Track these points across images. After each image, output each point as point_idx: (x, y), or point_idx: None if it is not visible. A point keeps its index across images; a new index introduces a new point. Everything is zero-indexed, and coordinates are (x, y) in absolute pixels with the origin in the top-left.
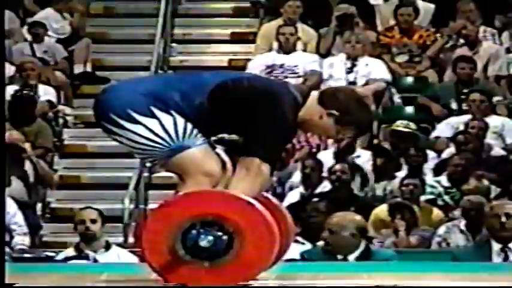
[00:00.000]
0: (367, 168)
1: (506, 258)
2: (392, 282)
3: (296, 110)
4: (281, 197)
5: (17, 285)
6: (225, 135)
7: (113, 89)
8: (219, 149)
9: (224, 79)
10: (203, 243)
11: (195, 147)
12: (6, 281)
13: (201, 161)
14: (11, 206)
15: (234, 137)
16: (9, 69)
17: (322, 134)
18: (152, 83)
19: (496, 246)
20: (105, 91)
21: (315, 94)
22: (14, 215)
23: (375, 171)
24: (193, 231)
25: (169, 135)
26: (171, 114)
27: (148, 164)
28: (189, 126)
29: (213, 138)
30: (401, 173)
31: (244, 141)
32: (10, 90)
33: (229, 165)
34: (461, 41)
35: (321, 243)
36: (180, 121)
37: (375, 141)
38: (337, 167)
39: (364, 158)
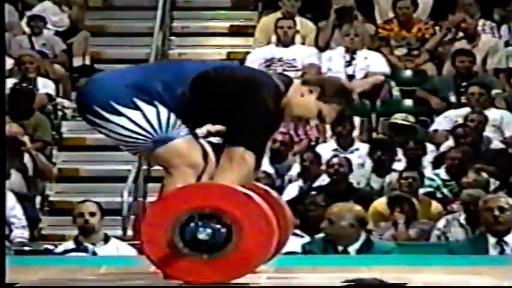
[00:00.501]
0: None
1: (502, 251)
2: (392, 275)
3: (279, 98)
4: (280, 189)
5: (18, 285)
6: (210, 127)
7: (95, 80)
8: (202, 140)
9: (205, 68)
10: (202, 236)
11: (179, 139)
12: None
13: (186, 153)
14: (9, 200)
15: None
16: (8, 63)
17: (303, 114)
18: (134, 73)
19: (492, 240)
20: (88, 83)
21: (297, 82)
22: (13, 208)
23: (373, 165)
24: (192, 224)
25: (153, 127)
26: (154, 105)
27: (135, 156)
28: (173, 117)
29: (198, 131)
30: (399, 166)
31: (227, 131)
32: (9, 83)
33: (211, 155)
34: (460, 34)
35: (320, 235)
36: (164, 112)
37: (374, 134)
38: (335, 160)
39: (363, 151)
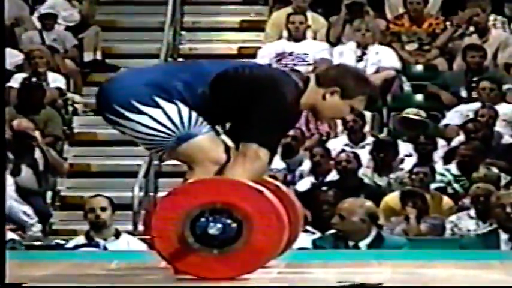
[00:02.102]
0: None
1: None
2: (403, 270)
3: (298, 96)
4: (291, 184)
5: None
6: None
7: (115, 79)
8: (224, 136)
9: (225, 68)
10: (212, 231)
11: (201, 135)
12: (13, 269)
13: (209, 149)
14: (17, 199)
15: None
16: (19, 57)
17: (336, 114)
18: (154, 73)
19: (503, 236)
20: (108, 81)
21: (313, 84)
22: (24, 208)
23: (374, 164)
24: (203, 219)
25: (175, 124)
26: (175, 104)
27: (155, 154)
28: (194, 114)
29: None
30: (410, 161)
31: (243, 127)
32: (19, 77)
33: (233, 151)
34: (471, 29)
35: (331, 231)
36: (185, 110)
37: (385, 129)
38: (342, 155)
39: None
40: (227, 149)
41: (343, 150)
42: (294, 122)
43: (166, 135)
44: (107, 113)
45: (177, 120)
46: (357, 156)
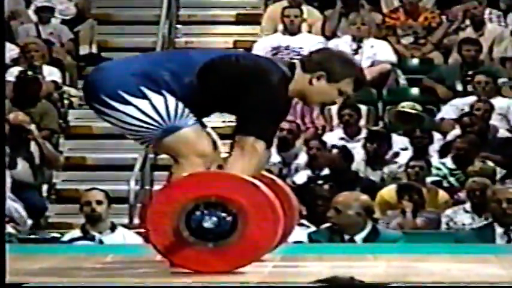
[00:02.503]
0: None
1: (509, 241)
2: (399, 263)
3: (286, 84)
4: (287, 178)
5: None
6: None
7: (102, 69)
8: (210, 129)
9: (212, 57)
10: (207, 224)
11: (186, 128)
12: (9, 262)
13: (194, 142)
14: (10, 196)
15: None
16: (14, 51)
17: (325, 98)
18: (141, 63)
19: (499, 229)
20: (94, 72)
21: (299, 71)
22: (15, 205)
23: (366, 157)
24: (198, 213)
25: (161, 116)
26: (162, 94)
27: (141, 146)
28: (180, 106)
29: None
30: (406, 155)
31: (237, 120)
32: (15, 71)
33: (219, 144)
34: (467, 22)
35: (326, 224)
36: (171, 101)
37: (381, 123)
38: (334, 151)
39: None
40: (213, 142)
41: (334, 146)
42: (285, 110)
43: (152, 127)
44: (95, 103)
45: (163, 112)
46: (348, 151)
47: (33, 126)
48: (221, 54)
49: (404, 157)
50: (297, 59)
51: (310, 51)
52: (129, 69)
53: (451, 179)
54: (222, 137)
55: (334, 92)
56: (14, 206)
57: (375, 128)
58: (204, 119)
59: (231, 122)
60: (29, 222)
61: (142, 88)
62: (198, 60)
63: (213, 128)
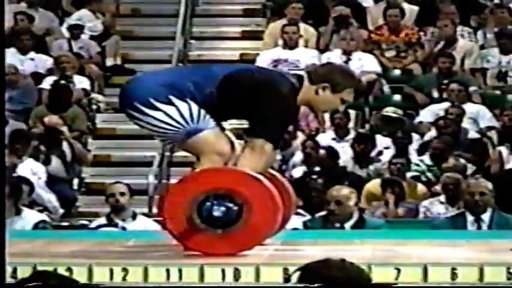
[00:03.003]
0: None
1: (479, 228)
2: (382, 247)
3: (295, 94)
4: (285, 173)
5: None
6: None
7: (135, 80)
8: (228, 131)
9: (231, 71)
10: (216, 213)
11: (207, 130)
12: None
13: (214, 142)
14: (44, 188)
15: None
16: (48, 61)
17: (330, 107)
18: (169, 74)
19: (470, 218)
20: (129, 82)
21: (306, 82)
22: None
23: (354, 156)
24: (208, 203)
25: (185, 120)
26: (187, 102)
27: (167, 146)
28: (202, 112)
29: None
30: (388, 153)
31: (250, 124)
32: (49, 80)
33: (237, 144)
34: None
35: (321, 213)
36: (195, 107)
37: (367, 125)
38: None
39: None
40: (231, 143)
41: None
42: (293, 117)
43: (177, 129)
44: (129, 109)
45: (187, 117)
46: (334, 151)
47: (65, 128)
48: (239, 68)
49: (387, 155)
50: (295, 69)
51: (315, 65)
52: (159, 80)
53: (428, 174)
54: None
55: (338, 101)
56: (47, 196)
57: (362, 130)
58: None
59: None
60: (61, 211)
61: (170, 96)
62: (218, 74)
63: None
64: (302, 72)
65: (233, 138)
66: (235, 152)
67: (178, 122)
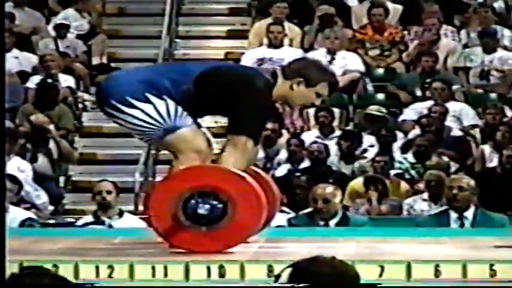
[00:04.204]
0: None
1: (462, 225)
2: (366, 244)
3: (270, 90)
4: (270, 171)
5: None
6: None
7: (112, 78)
8: (204, 129)
9: (206, 67)
10: (201, 211)
11: (184, 128)
12: (31, 244)
13: (191, 140)
14: (33, 185)
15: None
16: (33, 60)
17: (305, 101)
18: (146, 72)
19: (453, 215)
20: (106, 80)
21: (281, 78)
22: (38, 192)
23: (340, 153)
24: (193, 201)
25: (163, 117)
26: (164, 99)
27: (145, 143)
28: (179, 109)
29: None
30: (372, 151)
31: (229, 121)
32: (35, 79)
33: (212, 141)
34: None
35: (305, 211)
36: (172, 105)
37: (351, 123)
38: (314, 146)
39: None
40: (207, 140)
41: (315, 142)
42: (270, 112)
43: (155, 127)
44: (106, 107)
45: (164, 114)
46: (326, 147)
47: (52, 126)
48: (214, 65)
49: (371, 153)
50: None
51: (289, 60)
52: (136, 78)
53: (412, 172)
54: (215, 135)
55: (312, 95)
56: (36, 193)
57: (346, 128)
58: (199, 120)
59: (223, 122)
60: (50, 207)
61: (147, 94)
62: (194, 70)
63: (207, 127)
64: (276, 68)
65: (209, 135)
66: (212, 149)
67: (155, 120)
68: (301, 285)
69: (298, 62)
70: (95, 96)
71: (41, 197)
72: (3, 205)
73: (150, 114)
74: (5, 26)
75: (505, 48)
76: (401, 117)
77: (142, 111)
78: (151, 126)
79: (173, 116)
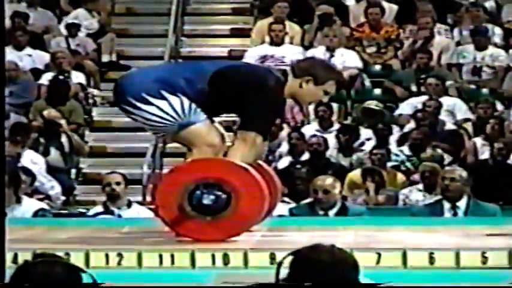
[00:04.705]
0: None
1: (455, 214)
2: (364, 233)
3: (281, 88)
4: (272, 163)
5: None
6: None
7: (129, 76)
8: (218, 124)
9: (220, 67)
10: (206, 201)
11: (198, 123)
12: (43, 233)
13: (205, 135)
14: (46, 176)
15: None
16: (45, 57)
17: (314, 98)
18: (161, 71)
19: (447, 205)
20: (123, 78)
21: (291, 76)
22: (51, 183)
23: (339, 146)
24: (198, 192)
25: (177, 113)
26: (178, 96)
27: (160, 138)
28: (193, 105)
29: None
30: (370, 144)
31: (241, 117)
32: (48, 76)
33: (226, 136)
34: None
35: (306, 201)
36: (186, 102)
37: (349, 117)
38: (314, 139)
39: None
40: (221, 135)
41: (314, 135)
42: (281, 110)
43: (170, 123)
44: (123, 104)
45: (179, 110)
46: (325, 141)
47: (63, 121)
48: (227, 65)
49: (368, 146)
50: (281, 65)
51: (297, 59)
52: (151, 76)
53: (407, 164)
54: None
55: (320, 92)
56: (50, 184)
57: (345, 122)
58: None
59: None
60: (62, 197)
61: (162, 91)
62: (208, 70)
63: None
64: (287, 67)
65: (223, 130)
66: (225, 143)
67: (170, 116)
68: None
69: (307, 61)
70: (113, 94)
71: (55, 188)
72: (3, 205)
73: (166, 111)
74: (5, 26)
75: (496, 45)
76: (397, 112)
77: (158, 107)
78: (166, 122)
79: (187, 112)
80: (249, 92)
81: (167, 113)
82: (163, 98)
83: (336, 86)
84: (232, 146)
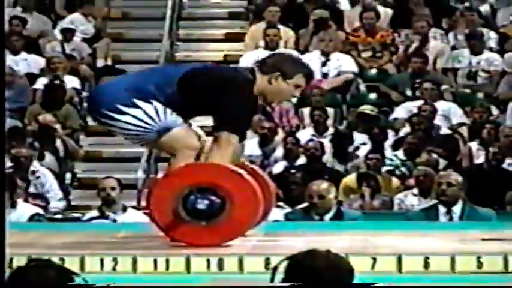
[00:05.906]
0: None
1: (450, 219)
2: (359, 238)
3: (250, 86)
4: (267, 168)
5: None
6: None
7: (99, 89)
8: (194, 126)
9: (186, 70)
10: (200, 206)
11: (176, 128)
12: (39, 238)
13: (185, 138)
14: (47, 178)
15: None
16: (41, 62)
17: (283, 95)
18: (131, 79)
19: (442, 209)
20: (94, 91)
21: (259, 74)
22: (51, 185)
23: (333, 152)
24: (192, 196)
25: (153, 120)
26: (151, 103)
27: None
28: (168, 110)
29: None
30: (365, 149)
31: (214, 120)
32: (43, 80)
33: (204, 137)
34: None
35: (301, 206)
36: (160, 107)
37: (345, 122)
38: (310, 144)
39: None
40: (199, 137)
41: (311, 140)
42: (253, 108)
43: (147, 130)
44: (99, 117)
45: (154, 116)
46: (322, 145)
47: (58, 126)
48: (194, 67)
49: (364, 150)
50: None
51: (264, 56)
52: (122, 86)
53: (402, 169)
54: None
55: (291, 87)
56: (55, 181)
57: (340, 126)
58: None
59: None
60: (60, 196)
61: (134, 100)
62: (176, 74)
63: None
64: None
65: (199, 131)
66: (204, 143)
67: (146, 123)
68: (297, 284)
69: (273, 57)
70: (87, 109)
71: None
72: (3, 204)
73: (141, 118)
74: (4, 26)
75: (491, 50)
76: (392, 116)
77: (133, 116)
78: (143, 130)
79: (163, 118)
80: (217, 93)
81: (143, 121)
82: (137, 106)
83: (305, 79)
84: (210, 150)
